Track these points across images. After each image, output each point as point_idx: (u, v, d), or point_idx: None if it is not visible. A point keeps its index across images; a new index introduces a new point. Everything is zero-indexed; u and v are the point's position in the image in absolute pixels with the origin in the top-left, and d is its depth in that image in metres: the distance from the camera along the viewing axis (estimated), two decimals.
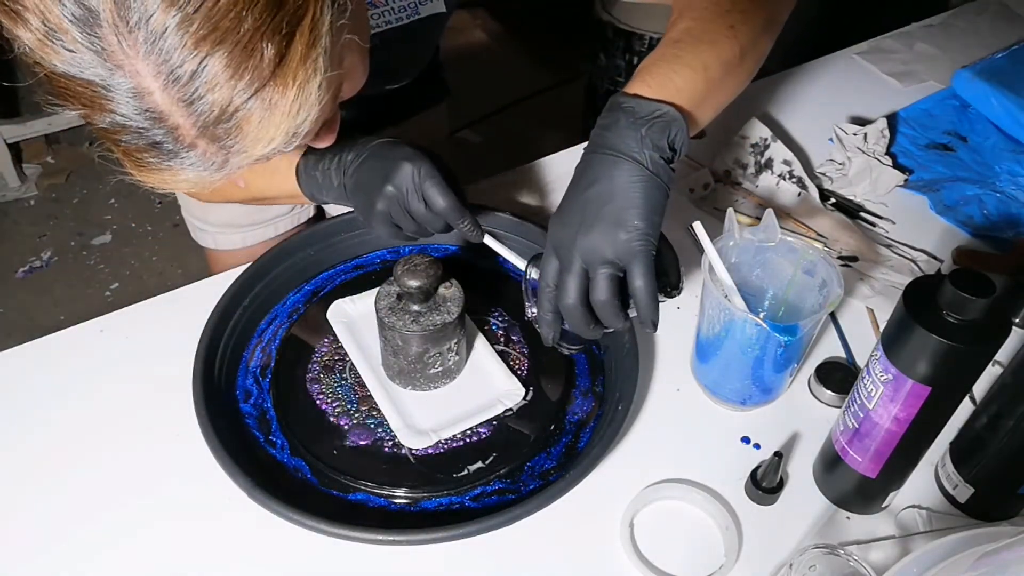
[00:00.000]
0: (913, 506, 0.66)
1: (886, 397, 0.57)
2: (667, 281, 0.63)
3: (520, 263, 0.69)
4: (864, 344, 0.79)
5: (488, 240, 0.70)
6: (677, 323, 0.80)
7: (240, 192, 0.75)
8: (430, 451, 0.67)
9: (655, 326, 0.59)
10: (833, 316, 0.82)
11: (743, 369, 0.68)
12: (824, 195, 0.95)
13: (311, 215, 1.09)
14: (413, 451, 0.67)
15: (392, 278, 0.66)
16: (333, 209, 1.15)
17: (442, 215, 0.65)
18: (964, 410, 0.64)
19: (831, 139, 1.03)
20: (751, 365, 0.67)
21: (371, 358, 0.73)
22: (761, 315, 0.70)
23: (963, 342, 0.52)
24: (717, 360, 0.70)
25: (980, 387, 0.72)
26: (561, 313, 0.61)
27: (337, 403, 0.70)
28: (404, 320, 0.67)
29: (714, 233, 0.68)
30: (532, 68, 2.69)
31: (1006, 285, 0.82)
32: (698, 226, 0.68)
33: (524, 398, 0.71)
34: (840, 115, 1.08)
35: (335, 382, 0.72)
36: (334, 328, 0.76)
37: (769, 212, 0.67)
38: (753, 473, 0.66)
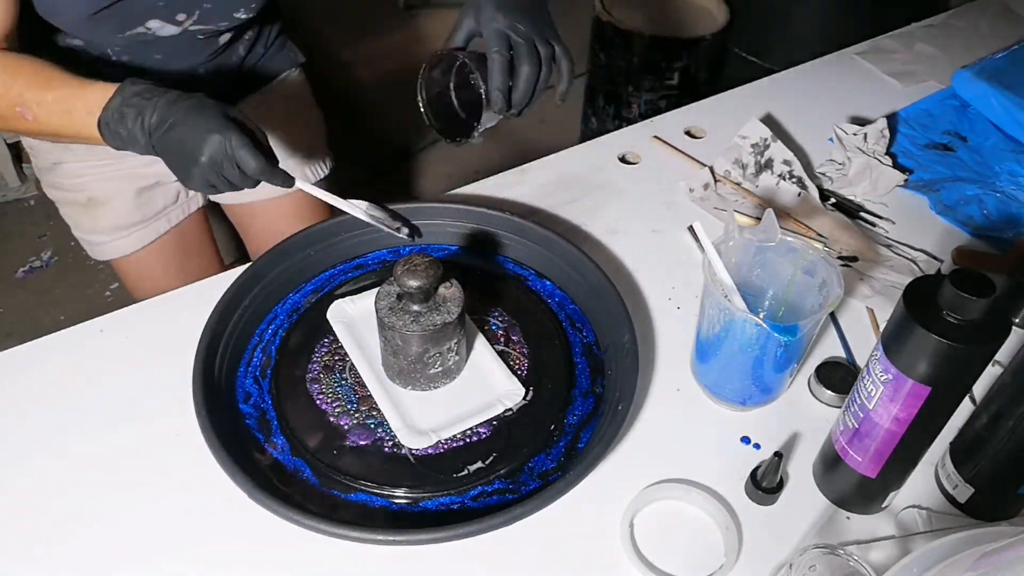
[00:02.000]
0: (913, 506, 0.66)
1: (886, 397, 0.57)
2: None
3: (337, 200, 0.76)
4: (864, 344, 0.79)
5: (300, 184, 0.73)
6: (677, 323, 0.80)
7: (29, 125, 0.73)
8: (430, 451, 0.67)
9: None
10: (833, 316, 0.82)
11: (743, 369, 0.68)
12: (824, 195, 0.95)
13: (201, 204, 1.10)
14: (413, 451, 0.67)
15: (392, 278, 0.66)
16: (278, 218, 1.15)
17: (254, 176, 0.68)
18: (964, 410, 0.64)
19: (831, 139, 1.03)
20: (751, 365, 0.67)
21: (371, 358, 0.73)
22: (761, 315, 0.70)
23: (963, 342, 0.52)
24: (717, 360, 0.70)
25: (980, 387, 0.72)
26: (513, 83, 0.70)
27: (337, 403, 0.70)
28: (404, 320, 0.67)
29: (714, 233, 0.69)
30: None
31: (1006, 285, 0.82)
32: (698, 226, 0.68)
33: (524, 398, 0.71)
34: (840, 115, 1.08)
35: (335, 382, 0.72)
36: (334, 328, 0.76)
37: (769, 212, 0.67)
38: (753, 473, 0.66)
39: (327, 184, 1.13)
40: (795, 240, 0.68)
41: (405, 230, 0.81)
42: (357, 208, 0.78)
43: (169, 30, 0.84)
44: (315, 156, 1.12)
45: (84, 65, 0.80)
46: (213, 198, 1.11)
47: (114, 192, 1.00)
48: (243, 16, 0.88)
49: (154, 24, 0.83)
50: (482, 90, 0.70)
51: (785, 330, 0.63)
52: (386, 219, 0.80)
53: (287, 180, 0.71)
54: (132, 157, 0.98)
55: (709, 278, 0.66)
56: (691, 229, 0.73)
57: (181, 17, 0.83)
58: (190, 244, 1.11)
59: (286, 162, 1.08)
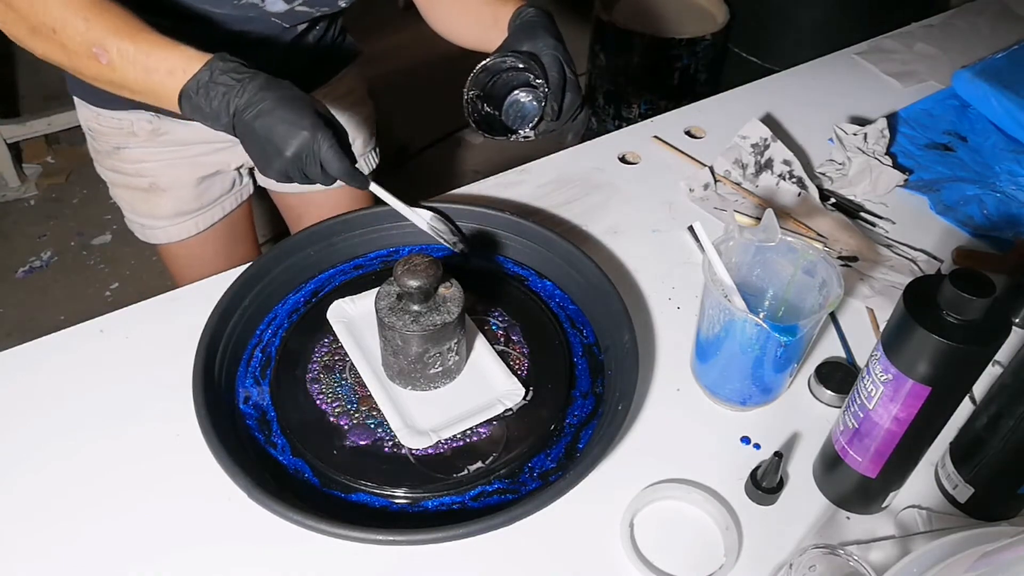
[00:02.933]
0: (913, 506, 0.66)
1: (886, 397, 0.57)
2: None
3: (403, 208, 0.78)
4: (864, 344, 0.79)
5: (373, 187, 0.73)
6: (677, 323, 0.80)
7: (100, 69, 0.71)
8: (430, 451, 0.67)
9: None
10: (833, 316, 0.82)
11: (743, 369, 0.68)
12: (824, 195, 0.95)
13: (251, 192, 1.11)
14: (413, 451, 0.67)
15: (392, 278, 0.66)
16: (329, 210, 1.15)
17: (336, 176, 0.68)
18: (964, 410, 0.64)
19: (831, 139, 1.03)
20: (751, 365, 0.67)
21: (371, 358, 0.73)
22: (761, 315, 0.70)
23: (963, 342, 0.52)
24: (717, 360, 0.70)
25: (980, 387, 0.72)
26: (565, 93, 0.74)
27: (337, 403, 0.70)
28: (404, 320, 0.67)
29: (714, 233, 0.69)
30: None
31: (1006, 285, 0.82)
32: (698, 226, 0.68)
33: (524, 398, 0.71)
34: (840, 115, 1.08)
35: (335, 382, 0.72)
36: (334, 328, 0.76)
37: (769, 212, 0.67)
38: (753, 473, 0.66)
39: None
40: (795, 240, 0.68)
41: (461, 245, 0.81)
42: (421, 218, 0.79)
43: (279, 6, 0.83)
44: (367, 151, 1.14)
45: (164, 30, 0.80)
46: (272, 187, 1.12)
47: (176, 180, 1.00)
48: (343, 4, 0.88)
49: None
50: (542, 99, 0.73)
51: (785, 330, 0.63)
52: (446, 232, 0.81)
53: (364, 182, 0.70)
54: (195, 145, 0.99)
55: (709, 278, 0.66)
56: (691, 229, 0.73)
57: None
58: (238, 231, 1.12)
59: None
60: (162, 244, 1.06)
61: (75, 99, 0.98)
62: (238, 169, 1.06)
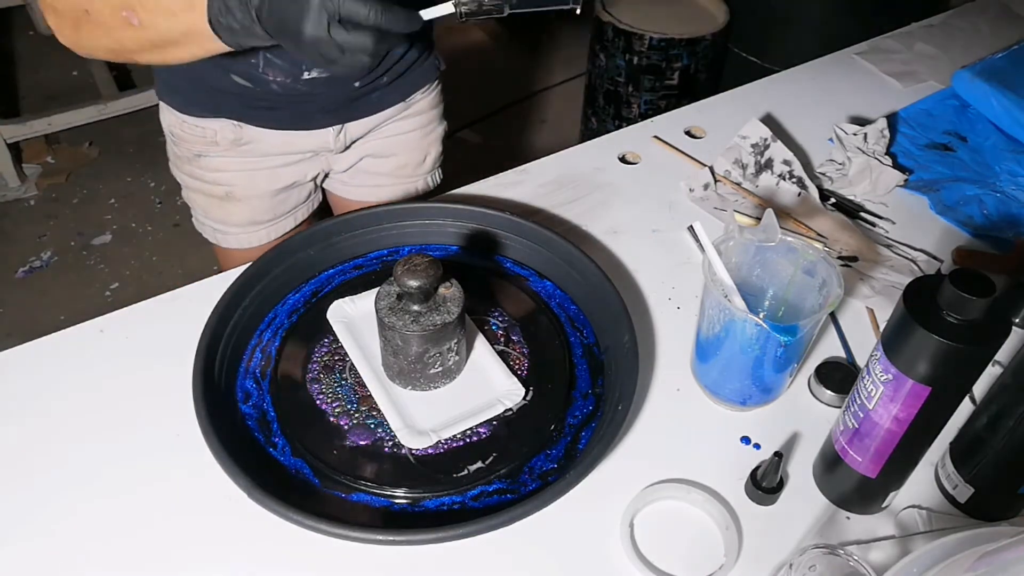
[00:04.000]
0: (913, 506, 0.66)
1: (886, 397, 0.57)
2: None
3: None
4: (864, 344, 0.79)
5: (427, 13, 0.66)
6: (677, 323, 0.80)
7: (136, 32, 0.70)
8: (430, 451, 0.67)
9: None
10: (833, 316, 0.82)
11: (743, 369, 0.68)
12: (824, 195, 0.95)
13: (321, 200, 1.11)
14: (413, 451, 0.67)
15: (392, 278, 0.66)
16: (335, 208, 1.16)
17: (372, 25, 0.61)
18: (964, 410, 0.64)
19: (831, 139, 1.03)
20: (751, 365, 0.67)
21: (371, 358, 0.73)
22: (761, 315, 0.70)
23: (963, 342, 0.52)
24: (717, 360, 0.70)
25: (980, 387, 0.72)
26: None
27: (337, 403, 0.70)
28: (404, 320, 0.67)
29: (714, 233, 0.69)
30: (532, 68, 2.70)
31: (1006, 285, 0.82)
32: (698, 226, 0.68)
33: (524, 398, 0.71)
34: (840, 115, 1.08)
35: (335, 382, 0.72)
36: (334, 328, 0.76)
37: (769, 212, 0.67)
38: (753, 473, 0.66)
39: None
40: (795, 240, 0.68)
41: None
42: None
43: None
44: (434, 168, 1.14)
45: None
46: (336, 192, 1.11)
47: (253, 190, 1.00)
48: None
49: None
50: None
51: (785, 330, 0.63)
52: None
53: (411, 18, 0.62)
54: (276, 156, 0.99)
55: (709, 278, 0.66)
56: (691, 229, 0.73)
57: None
58: None
59: (411, 172, 1.10)
60: (232, 248, 1.06)
61: (160, 103, 0.98)
62: (314, 179, 1.06)
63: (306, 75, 0.89)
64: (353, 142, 1.03)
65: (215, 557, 0.62)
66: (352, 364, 0.73)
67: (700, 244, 0.67)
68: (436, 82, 1.09)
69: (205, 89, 0.92)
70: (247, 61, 0.86)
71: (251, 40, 0.66)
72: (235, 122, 0.94)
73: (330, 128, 0.98)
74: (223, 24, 0.65)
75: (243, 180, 1.00)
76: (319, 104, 0.94)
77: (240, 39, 0.66)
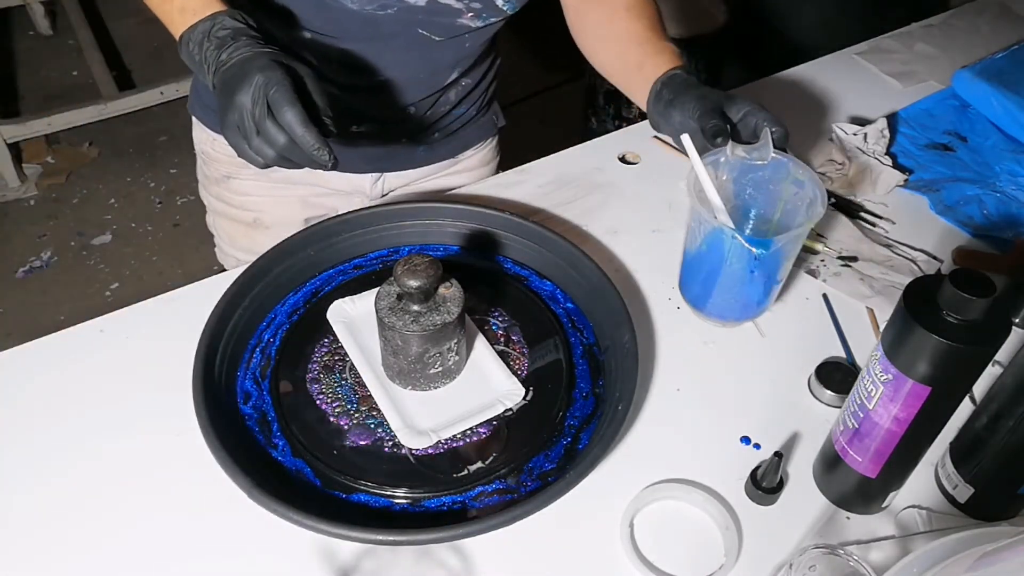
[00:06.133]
0: (913, 506, 0.66)
1: (886, 397, 0.57)
2: None
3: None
4: (864, 344, 0.79)
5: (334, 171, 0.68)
6: (677, 323, 0.80)
7: None
8: (430, 451, 0.67)
9: None
10: (833, 316, 0.82)
11: (723, 283, 0.67)
12: None
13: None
14: (413, 451, 0.67)
15: (392, 278, 0.66)
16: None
17: (289, 126, 0.61)
18: (964, 410, 0.64)
19: (831, 139, 1.03)
20: (730, 280, 0.66)
21: (371, 358, 0.73)
22: (748, 230, 0.69)
23: (963, 342, 0.52)
24: (699, 275, 0.69)
25: (980, 387, 0.72)
26: None
27: (337, 403, 0.70)
28: (404, 320, 0.67)
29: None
30: (532, 68, 2.69)
31: (1006, 285, 0.82)
32: (686, 139, 0.67)
33: (524, 398, 0.71)
34: (840, 115, 1.08)
35: (335, 382, 0.72)
36: (334, 328, 0.76)
37: (766, 131, 0.67)
38: (753, 473, 0.66)
39: None
40: (787, 158, 0.67)
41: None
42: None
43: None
44: None
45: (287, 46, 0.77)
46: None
47: (282, 218, 0.97)
48: (507, 9, 0.83)
49: None
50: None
51: (759, 243, 0.62)
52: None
53: (324, 153, 0.62)
54: (306, 186, 0.96)
55: (694, 191, 0.65)
56: (678, 142, 0.71)
57: None
58: None
59: None
60: None
61: (193, 119, 0.96)
62: None
63: (354, 128, 0.89)
64: (391, 191, 1.01)
65: (215, 557, 0.62)
66: (352, 364, 0.73)
67: (688, 156, 0.67)
68: (492, 138, 1.06)
69: None
70: None
71: (199, 75, 0.68)
72: None
73: (369, 175, 0.97)
74: (187, 49, 0.67)
75: (272, 207, 0.97)
76: (360, 150, 0.93)
77: (189, 64, 0.68)
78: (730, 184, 0.69)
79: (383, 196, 1.00)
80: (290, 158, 0.63)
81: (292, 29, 0.81)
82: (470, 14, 0.82)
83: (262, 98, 0.61)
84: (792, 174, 0.67)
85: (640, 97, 0.84)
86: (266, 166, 0.64)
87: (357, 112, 0.88)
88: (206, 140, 0.95)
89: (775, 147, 0.71)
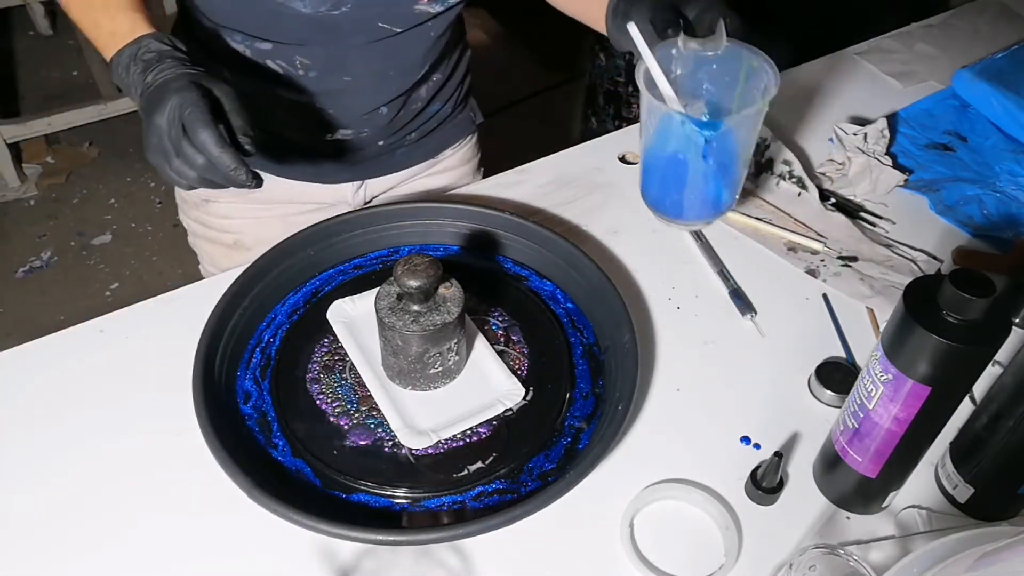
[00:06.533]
0: (913, 506, 0.66)
1: (886, 397, 0.57)
2: None
3: None
4: (864, 344, 0.79)
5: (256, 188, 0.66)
6: (677, 323, 0.80)
7: (67, 1, 0.74)
8: (430, 451, 0.67)
9: None
10: (833, 316, 0.82)
11: (678, 177, 0.64)
12: (824, 195, 0.95)
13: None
14: (413, 451, 0.67)
15: (392, 278, 0.66)
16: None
17: (205, 149, 0.61)
18: (964, 410, 0.64)
19: (831, 139, 1.03)
20: (685, 170, 0.63)
21: (371, 358, 0.73)
22: (703, 114, 0.66)
23: (963, 342, 0.52)
24: (656, 172, 0.66)
25: (980, 387, 0.72)
26: None
27: (337, 403, 0.70)
28: (404, 320, 0.67)
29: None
30: (532, 68, 2.69)
31: (1006, 285, 0.82)
32: (632, 27, 0.65)
33: (524, 398, 0.71)
34: (840, 115, 1.08)
35: (335, 382, 0.72)
36: (334, 328, 0.76)
37: (720, 23, 0.65)
38: (753, 473, 0.66)
39: None
40: (741, 45, 0.65)
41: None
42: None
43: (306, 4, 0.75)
44: None
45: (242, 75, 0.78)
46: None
47: (263, 238, 0.93)
48: (431, 9, 0.80)
49: None
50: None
51: (708, 125, 0.59)
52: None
53: (241, 173, 0.62)
54: (286, 204, 0.95)
55: (643, 81, 0.63)
56: (627, 29, 0.67)
57: None
58: None
59: None
60: None
61: None
62: None
63: (328, 137, 0.88)
64: (374, 198, 1.00)
65: (215, 557, 0.62)
66: (352, 364, 0.73)
67: (637, 47, 0.65)
68: (471, 136, 1.05)
69: None
70: (269, 119, 0.83)
71: (130, 98, 0.68)
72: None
73: (349, 184, 0.96)
74: (118, 73, 0.67)
75: (253, 228, 0.96)
76: (338, 159, 0.92)
77: (124, 90, 0.68)
78: (686, 80, 0.65)
79: (367, 203, 1.00)
80: (210, 179, 0.63)
81: (253, 41, 0.80)
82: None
83: (177, 120, 0.61)
84: (747, 63, 0.64)
85: (600, 21, 0.81)
86: (190, 187, 0.64)
87: (329, 119, 0.87)
88: None
89: (729, 36, 0.67)
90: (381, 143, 0.92)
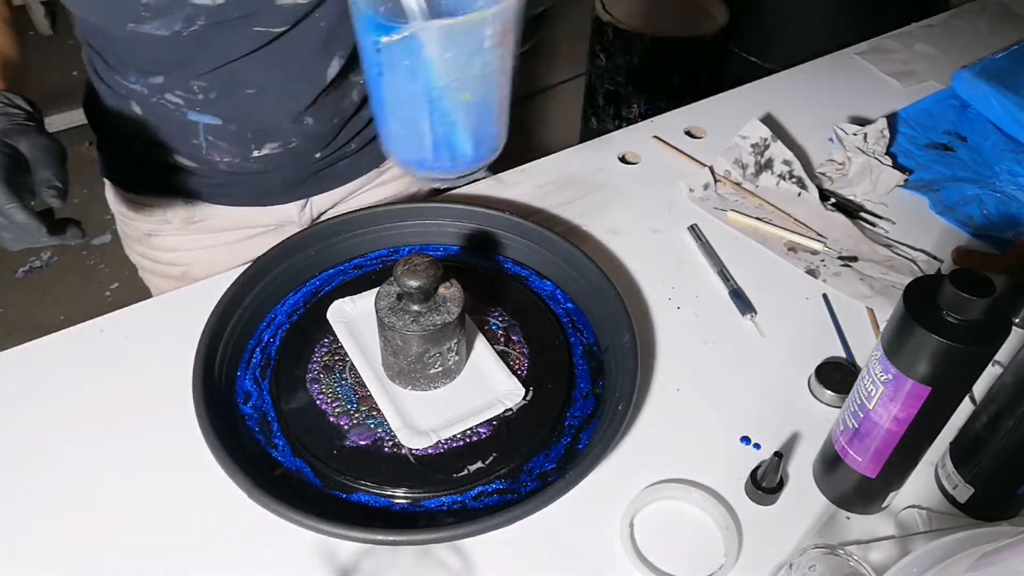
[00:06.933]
0: (913, 506, 0.66)
1: (886, 397, 0.57)
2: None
3: None
4: (864, 344, 0.79)
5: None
6: (677, 323, 0.80)
7: None
8: (430, 451, 0.67)
9: None
10: (833, 316, 0.82)
11: (374, 94, 0.54)
12: (824, 195, 0.95)
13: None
14: (413, 451, 0.67)
15: (392, 278, 0.66)
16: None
17: None
18: (964, 410, 0.64)
19: (831, 139, 1.03)
20: (382, 93, 0.53)
21: (371, 358, 0.73)
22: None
23: (963, 342, 0.52)
24: (376, 104, 0.56)
25: (980, 387, 0.72)
26: None
27: (337, 403, 0.70)
28: (404, 320, 0.67)
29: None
30: (532, 68, 2.70)
31: (1006, 285, 0.82)
32: None
33: (524, 398, 0.71)
34: (840, 115, 1.08)
35: (335, 382, 0.72)
36: (334, 328, 0.76)
37: None
38: (753, 473, 0.66)
39: None
40: None
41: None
42: None
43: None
44: None
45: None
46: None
47: (211, 268, 0.89)
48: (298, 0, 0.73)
49: None
50: None
51: (380, 27, 0.46)
52: None
53: (36, 233, 0.60)
54: (232, 231, 0.91)
55: None
56: None
57: None
58: None
59: None
60: None
61: (105, 181, 0.92)
62: None
63: (256, 153, 0.82)
64: (321, 215, 0.96)
65: (215, 557, 0.62)
66: (352, 364, 0.73)
67: None
68: None
69: (151, 167, 0.85)
70: (188, 143, 0.81)
71: None
72: (186, 199, 0.88)
73: (293, 204, 0.91)
74: None
75: (200, 258, 0.92)
76: (278, 179, 0.87)
77: None
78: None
79: (315, 220, 0.95)
80: (14, 238, 0.60)
81: (145, 77, 0.77)
82: None
83: None
84: None
85: None
86: (17, 247, 0.61)
87: (250, 135, 0.82)
88: (123, 200, 0.91)
89: None
90: (318, 155, 0.87)
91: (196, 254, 0.93)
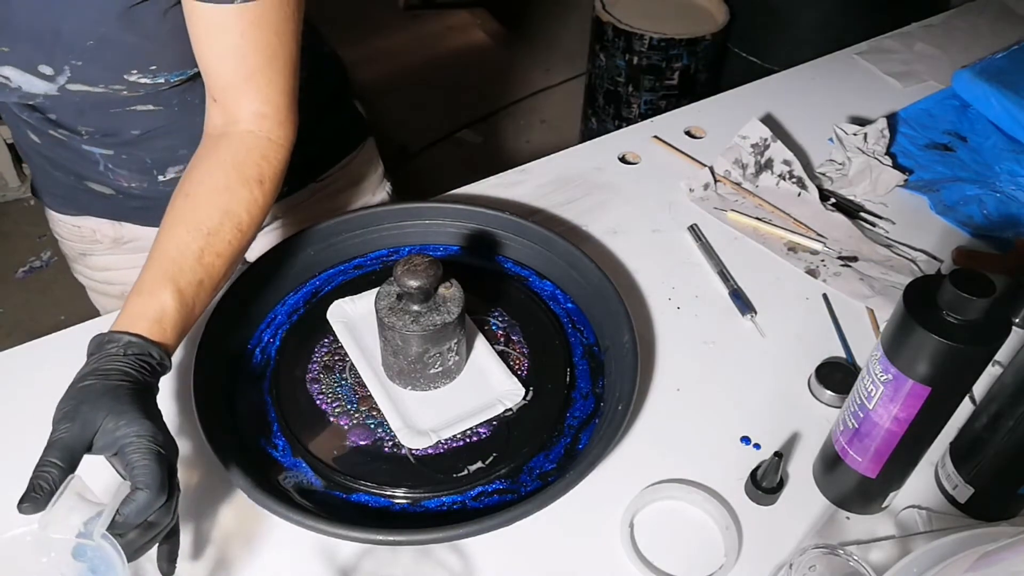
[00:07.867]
0: (913, 506, 0.66)
1: (886, 397, 0.57)
2: None
3: None
4: (864, 344, 0.79)
5: None
6: (677, 323, 0.80)
7: None
8: (430, 451, 0.67)
9: None
10: (833, 316, 0.82)
11: None
12: (824, 195, 0.95)
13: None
14: (413, 451, 0.67)
15: (392, 278, 0.66)
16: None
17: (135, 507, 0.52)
18: (964, 410, 0.64)
19: (831, 139, 1.03)
20: None
21: (371, 358, 0.73)
22: None
23: (963, 342, 0.52)
24: None
25: (980, 387, 0.72)
26: None
27: (337, 403, 0.70)
28: (404, 320, 0.67)
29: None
30: (532, 68, 2.70)
31: (1006, 285, 0.82)
32: None
33: (524, 398, 0.71)
34: (840, 115, 1.08)
35: (335, 382, 0.72)
36: (334, 328, 0.76)
37: None
38: (753, 473, 0.66)
39: None
40: None
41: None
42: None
43: (40, 87, 0.66)
44: None
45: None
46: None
47: None
48: (144, 80, 0.67)
49: (11, 73, 0.65)
50: None
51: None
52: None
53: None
54: None
55: None
56: None
57: (47, 71, 0.65)
58: None
59: None
60: None
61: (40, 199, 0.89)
62: None
63: (162, 178, 0.80)
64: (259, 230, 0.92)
65: (215, 556, 0.62)
66: (352, 364, 0.73)
67: None
68: (362, 144, 0.94)
69: (70, 188, 0.84)
70: (94, 170, 0.79)
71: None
72: (112, 220, 0.87)
73: None
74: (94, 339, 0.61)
75: (135, 277, 0.88)
76: None
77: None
78: None
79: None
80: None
81: (28, 110, 0.75)
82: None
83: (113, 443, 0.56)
84: None
85: None
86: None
87: (150, 163, 0.78)
88: (54, 220, 0.89)
89: None
90: None
91: (131, 273, 0.82)
